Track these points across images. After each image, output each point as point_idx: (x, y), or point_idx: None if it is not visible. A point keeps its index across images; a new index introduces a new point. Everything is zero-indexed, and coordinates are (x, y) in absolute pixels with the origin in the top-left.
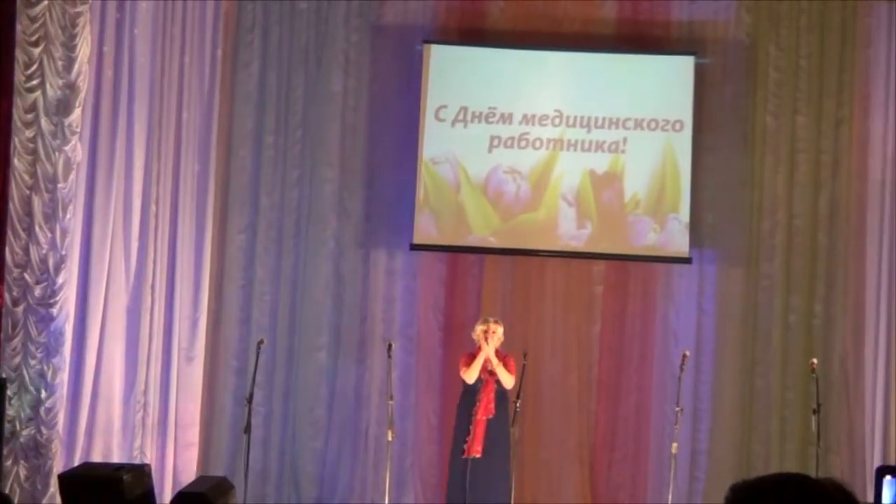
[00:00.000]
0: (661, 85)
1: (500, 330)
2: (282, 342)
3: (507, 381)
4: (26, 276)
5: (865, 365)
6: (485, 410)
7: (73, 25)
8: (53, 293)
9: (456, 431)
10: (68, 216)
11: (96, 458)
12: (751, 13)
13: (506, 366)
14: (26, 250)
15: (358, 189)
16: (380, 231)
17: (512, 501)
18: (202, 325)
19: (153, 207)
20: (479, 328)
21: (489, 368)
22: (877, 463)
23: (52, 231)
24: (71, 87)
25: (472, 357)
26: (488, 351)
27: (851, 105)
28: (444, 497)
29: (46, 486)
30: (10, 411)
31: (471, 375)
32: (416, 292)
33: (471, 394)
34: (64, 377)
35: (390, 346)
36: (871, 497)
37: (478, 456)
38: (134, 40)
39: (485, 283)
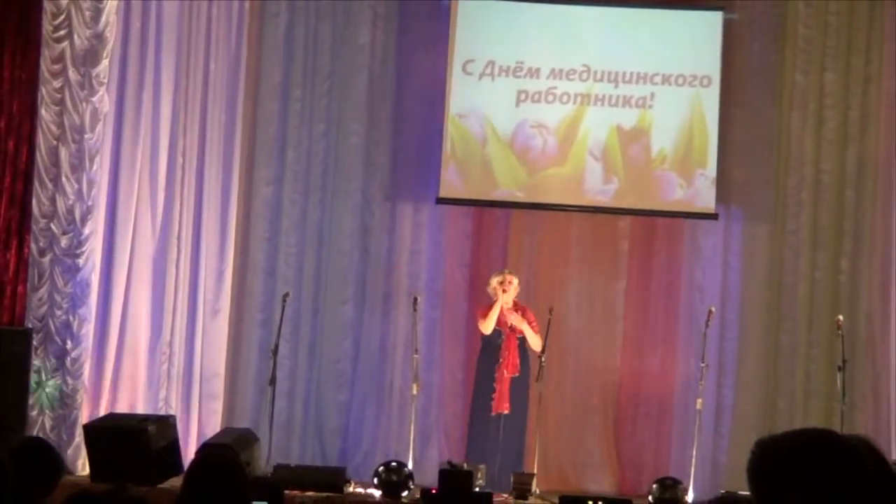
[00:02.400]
0: (690, 40)
1: (515, 281)
2: (307, 295)
3: (535, 343)
4: (53, 226)
5: (891, 321)
6: (512, 368)
7: None
8: (80, 244)
9: (477, 387)
10: (95, 167)
11: (121, 408)
12: None
13: (525, 318)
14: (53, 201)
15: (384, 142)
16: (406, 184)
17: (537, 457)
18: (228, 277)
19: (180, 159)
20: (495, 280)
21: (510, 324)
22: None
23: (79, 182)
24: (98, 38)
25: (489, 309)
26: (504, 301)
27: (880, 62)
28: (466, 452)
29: (72, 436)
30: (35, 361)
31: (487, 326)
32: (441, 246)
33: (491, 349)
34: (90, 328)
35: (416, 299)
36: None
37: (506, 412)
38: None
39: (510, 237)
